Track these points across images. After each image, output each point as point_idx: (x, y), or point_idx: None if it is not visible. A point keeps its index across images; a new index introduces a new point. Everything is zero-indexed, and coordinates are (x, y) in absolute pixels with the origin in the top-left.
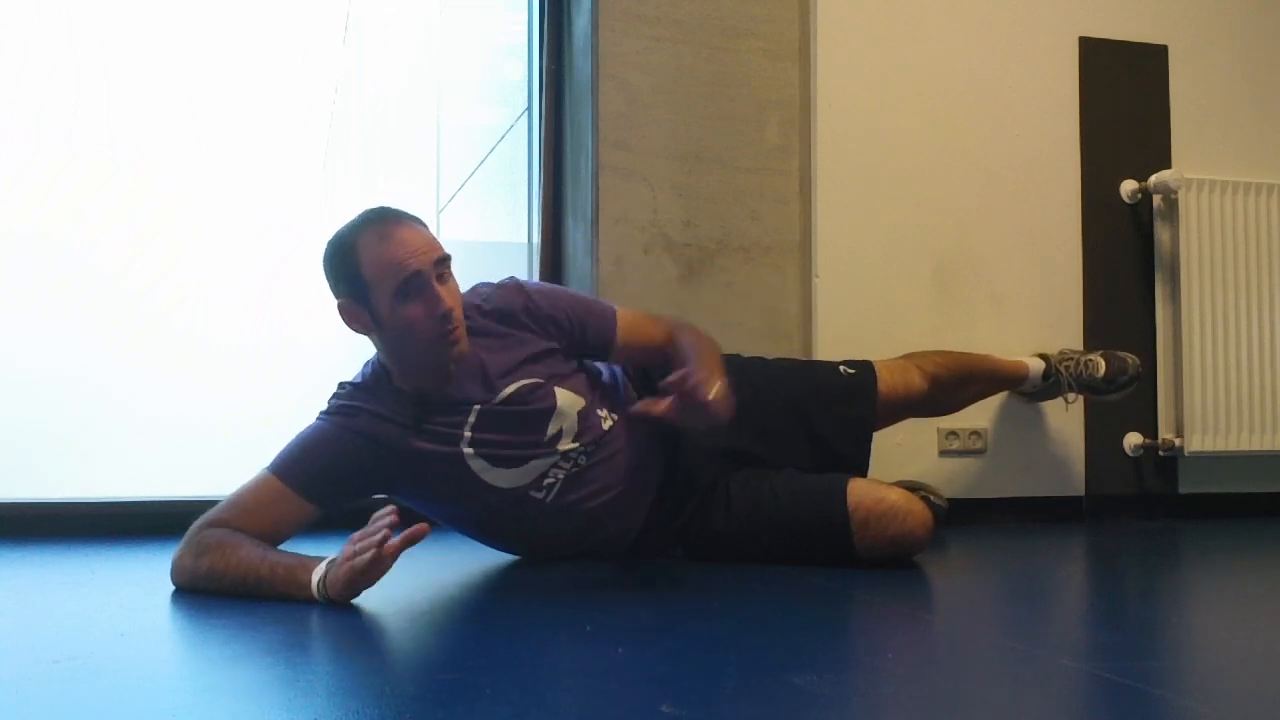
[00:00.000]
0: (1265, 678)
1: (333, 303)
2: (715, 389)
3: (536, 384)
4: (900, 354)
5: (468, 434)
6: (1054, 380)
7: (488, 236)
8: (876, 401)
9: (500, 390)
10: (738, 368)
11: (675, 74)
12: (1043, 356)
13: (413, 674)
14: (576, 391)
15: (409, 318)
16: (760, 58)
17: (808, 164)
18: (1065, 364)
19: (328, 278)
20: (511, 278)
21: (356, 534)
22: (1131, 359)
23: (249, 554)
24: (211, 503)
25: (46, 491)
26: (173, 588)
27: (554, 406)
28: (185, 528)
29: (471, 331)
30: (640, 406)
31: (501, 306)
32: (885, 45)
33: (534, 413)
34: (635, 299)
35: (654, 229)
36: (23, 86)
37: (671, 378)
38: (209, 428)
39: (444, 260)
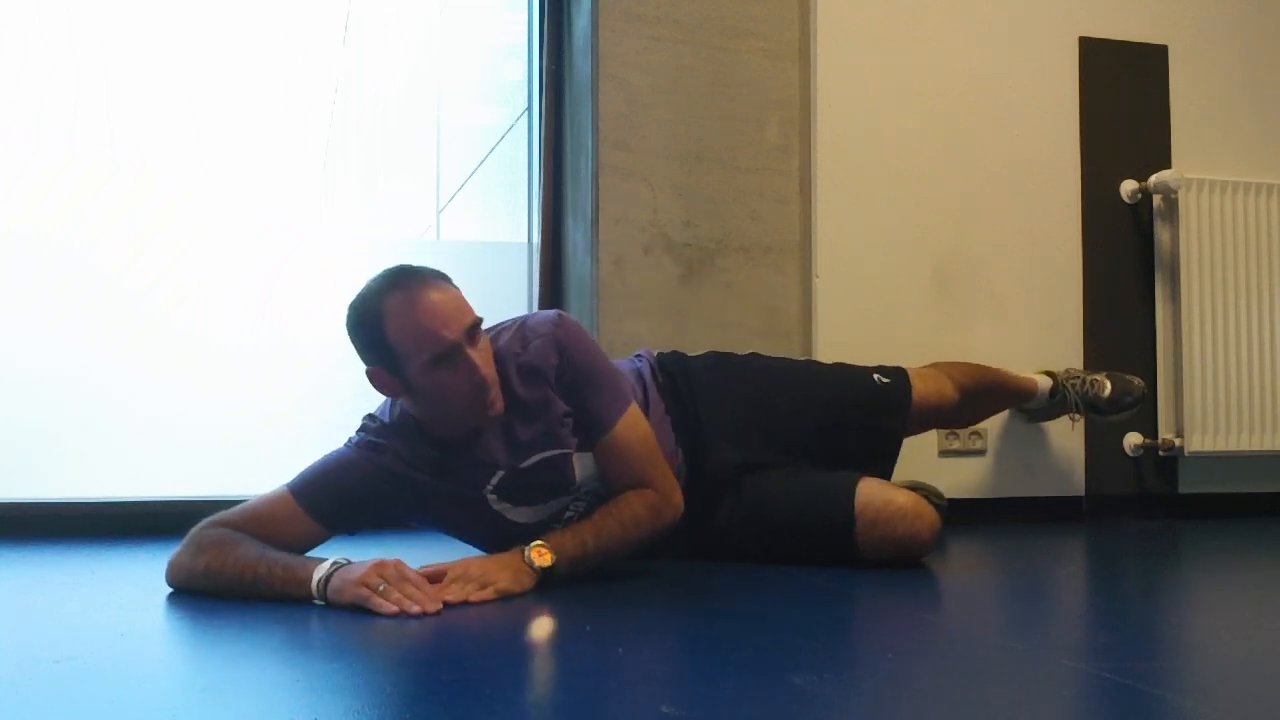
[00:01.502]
0: (1265, 678)
1: (333, 306)
2: (465, 594)
3: (562, 456)
4: (900, 354)
5: (491, 485)
6: (1060, 398)
7: (488, 236)
8: (909, 413)
9: (526, 459)
10: (760, 369)
11: (675, 74)
12: (1049, 374)
13: (414, 674)
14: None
15: (443, 386)
16: (760, 58)
17: (808, 164)
18: (1072, 382)
19: (354, 344)
20: (559, 325)
21: (393, 569)
22: (1137, 381)
23: (247, 552)
24: (212, 503)
25: (46, 491)
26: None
27: (573, 481)
28: (185, 528)
29: (505, 388)
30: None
31: (535, 362)
32: (885, 45)
33: (555, 479)
34: (635, 299)
35: (654, 229)
36: (23, 86)
37: (441, 582)
38: (209, 428)
39: (474, 327)
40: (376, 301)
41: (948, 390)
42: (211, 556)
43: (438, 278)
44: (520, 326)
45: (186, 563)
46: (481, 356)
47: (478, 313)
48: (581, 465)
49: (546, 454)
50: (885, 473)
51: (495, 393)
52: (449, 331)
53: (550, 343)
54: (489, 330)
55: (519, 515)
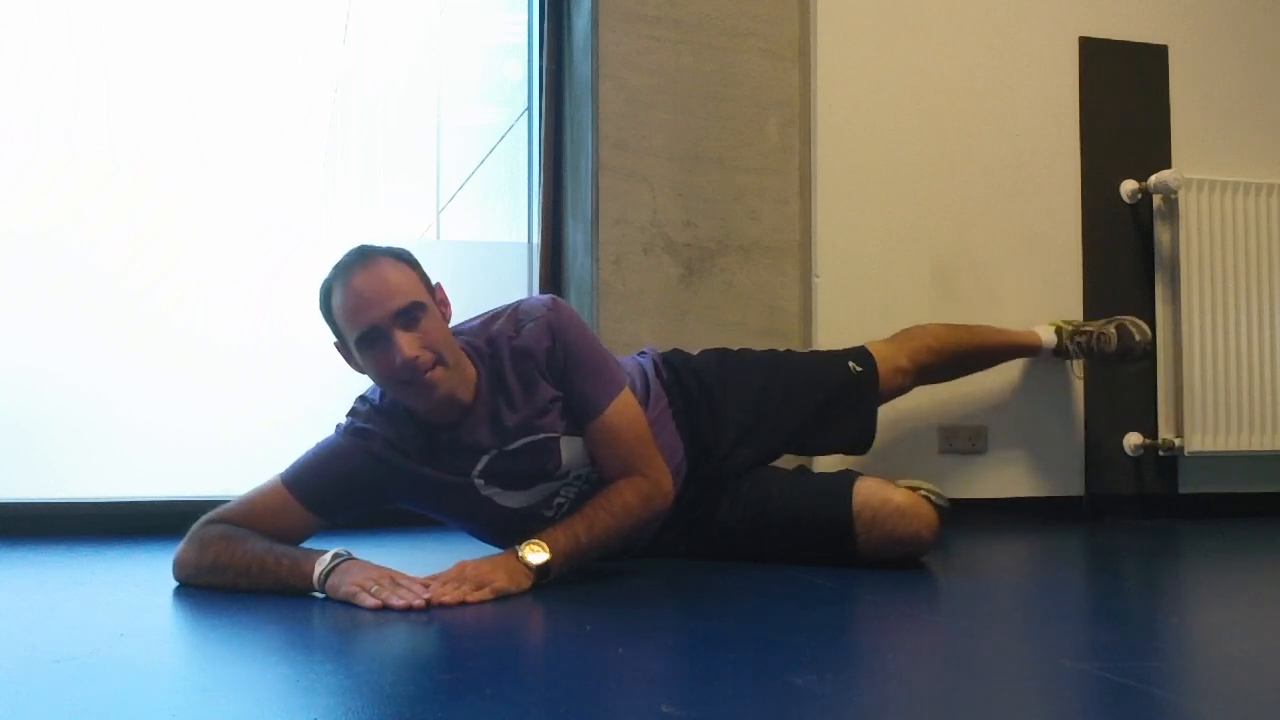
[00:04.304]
0: (1265, 678)
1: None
2: (462, 595)
3: (549, 439)
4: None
5: (479, 469)
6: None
7: (488, 236)
8: (880, 393)
9: (512, 443)
10: (755, 362)
11: (675, 74)
12: (1057, 330)
13: (413, 674)
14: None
15: (374, 367)
16: (760, 58)
17: (808, 164)
18: (1077, 340)
19: None
20: (552, 309)
21: (389, 576)
22: (1139, 337)
23: (253, 546)
24: (211, 503)
25: (46, 491)
26: (174, 586)
27: (559, 465)
28: (185, 528)
29: (494, 373)
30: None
31: (528, 345)
32: (885, 45)
33: (542, 463)
34: (635, 299)
35: (654, 229)
36: (23, 86)
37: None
38: (209, 427)
39: (408, 309)
40: (328, 281)
41: (901, 372)
42: (219, 550)
43: (381, 258)
44: (514, 311)
45: (194, 558)
46: (413, 340)
47: (470, 302)
48: (569, 450)
49: (532, 438)
50: (867, 446)
51: (430, 376)
52: (371, 313)
53: (543, 326)
54: (482, 315)
55: (509, 500)
